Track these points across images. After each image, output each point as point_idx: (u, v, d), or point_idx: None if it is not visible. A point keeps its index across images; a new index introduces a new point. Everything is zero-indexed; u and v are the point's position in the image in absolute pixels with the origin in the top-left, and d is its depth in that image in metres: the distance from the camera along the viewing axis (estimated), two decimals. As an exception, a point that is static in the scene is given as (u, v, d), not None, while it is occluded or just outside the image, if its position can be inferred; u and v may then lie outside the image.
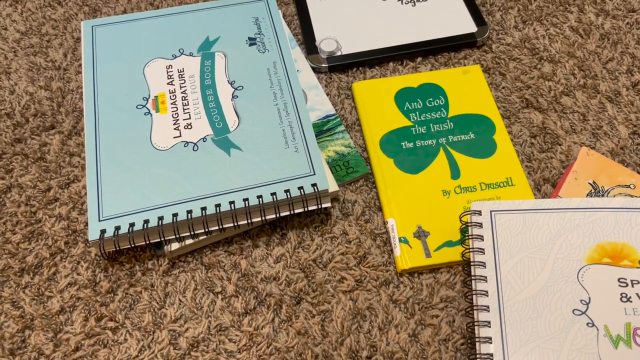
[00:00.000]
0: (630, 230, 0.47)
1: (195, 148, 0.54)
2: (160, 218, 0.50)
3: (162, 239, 0.50)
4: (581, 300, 0.44)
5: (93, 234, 0.50)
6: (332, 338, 0.48)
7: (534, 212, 0.49)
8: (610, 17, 0.68)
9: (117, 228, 0.50)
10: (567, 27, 0.68)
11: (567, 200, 0.49)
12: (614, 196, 0.52)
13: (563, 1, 0.70)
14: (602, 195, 0.52)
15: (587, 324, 0.44)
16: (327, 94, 0.63)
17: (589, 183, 0.53)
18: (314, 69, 0.64)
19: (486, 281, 0.47)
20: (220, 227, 0.51)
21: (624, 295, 0.44)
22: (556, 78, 0.63)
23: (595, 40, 0.66)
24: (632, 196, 0.52)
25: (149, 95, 0.58)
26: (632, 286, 0.45)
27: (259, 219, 0.51)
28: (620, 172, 0.53)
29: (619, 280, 0.45)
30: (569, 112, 0.61)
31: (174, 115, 0.56)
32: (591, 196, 0.52)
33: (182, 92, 0.58)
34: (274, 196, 0.51)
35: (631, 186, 0.52)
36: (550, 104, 0.61)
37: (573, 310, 0.44)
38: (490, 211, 0.50)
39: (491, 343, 0.44)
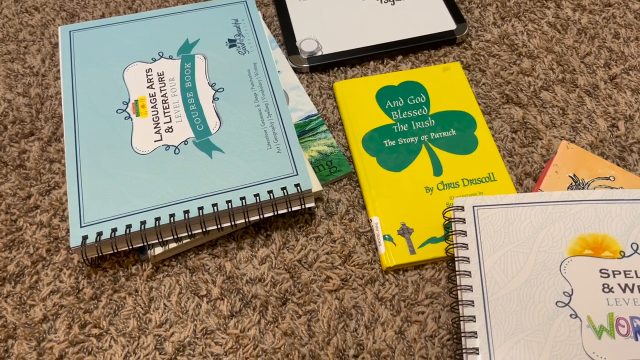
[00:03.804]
0: (610, 221, 0.47)
1: (177, 151, 0.54)
2: (143, 222, 0.49)
3: (145, 244, 0.50)
4: (564, 292, 0.45)
5: (75, 241, 0.49)
6: (319, 338, 0.48)
7: (515, 207, 0.49)
8: (587, 11, 0.69)
9: (99, 234, 0.49)
10: (544, 22, 0.68)
11: (548, 194, 0.49)
12: (594, 188, 0.53)
13: (540, -3, 0.71)
14: (583, 188, 0.53)
15: (571, 315, 0.44)
16: (309, 94, 0.63)
17: (570, 176, 0.53)
18: (295, 70, 0.64)
19: (470, 276, 0.47)
20: (204, 229, 0.50)
21: (605, 286, 0.45)
22: (535, 73, 0.64)
23: (572, 35, 0.67)
24: (611, 188, 0.53)
25: (129, 99, 0.57)
26: (614, 277, 0.45)
27: (243, 220, 0.51)
28: (599, 164, 0.54)
29: (600, 271, 0.45)
30: (549, 106, 0.61)
31: (155, 119, 0.56)
32: (572, 189, 0.53)
33: (162, 96, 0.57)
34: (257, 197, 0.51)
35: (611, 178, 0.53)
36: (530, 99, 0.62)
37: (556, 302, 0.44)
38: (473, 206, 0.50)
39: (477, 337, 0.44)
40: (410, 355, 0.48)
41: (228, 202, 0.51)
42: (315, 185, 0.53)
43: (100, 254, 0.50)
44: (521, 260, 0.47)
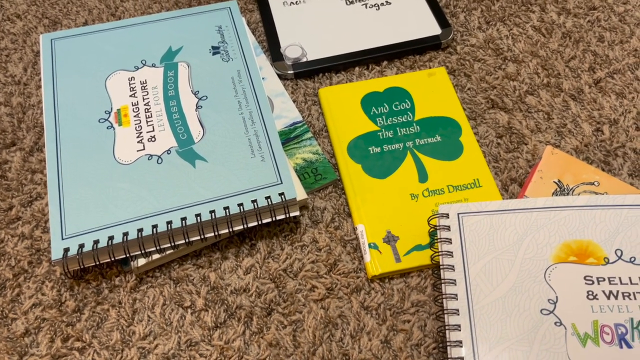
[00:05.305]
0: (594, 228, 0.47)
1: (160, 161, 0.53)
2: (125, 234, 0.49)
3: (128, 255, 0.49)
4: (549, 300, 0.45)
5: (56, 253, 0.48)
6: (304, 348, 0.48)
7: (500, 213, 0.49)
8: (572, 15, 0.69)
9: (81, 246, 0.49)
10: (529, 26, 0.68)
11: (532, 200, 0.49)
12: (579, 194, 0.53)
13: (525, 1, 0.71)
14: (567, 194, 0.53)
15: (555, 323, 0.44)
16: (294, 101, 0.63)
17: (554, 182, 0.53)
18: (279, 76, 0.64)
19: (455, 284, 0.47)
20: (187, 240, 0.50)
21: (590, 293, 0.45)
22: (520, 78, 0.64)
23: (557, 39, 0.67)
24: (596, 193, 0.53)
25: (111, 108, 0.57)
26: (598, 283, 0.45)
27: (226, 230, 0.51)
28: (584, 169, 0.54)
29: (585, 278, 0.45)
30: (534, 111, 0.61)
31: (137, 128, 0.55)
32: (557, 195, 0.53)
33: (145, 104, 0.57)
34: (241, 207, 0.50)
35: (595, 183, 0.53)
36: (516, 104, 0.62)
37: (541, 310, 0.44)
38: (458, 214, 0.50)
39: (462, 347, 0.44)
40: (396, 364, 0.47)
41: (211, 212, 0.50)
42: (300, 194, 0.53)
43: (82, 267, 0.49)
44: (506, 268, 0.47)
